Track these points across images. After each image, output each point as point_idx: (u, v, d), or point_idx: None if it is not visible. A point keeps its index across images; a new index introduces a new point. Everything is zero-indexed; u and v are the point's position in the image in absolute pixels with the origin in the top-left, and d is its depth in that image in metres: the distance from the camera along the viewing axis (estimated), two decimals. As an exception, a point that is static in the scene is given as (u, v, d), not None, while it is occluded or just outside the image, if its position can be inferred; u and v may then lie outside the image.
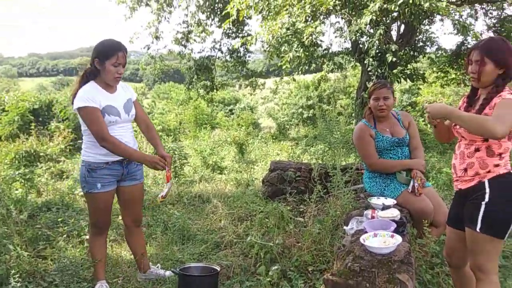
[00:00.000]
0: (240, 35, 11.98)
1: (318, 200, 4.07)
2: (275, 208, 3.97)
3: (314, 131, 12.70)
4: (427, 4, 5.81)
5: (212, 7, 11.34)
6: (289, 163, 5.76)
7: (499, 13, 10.01)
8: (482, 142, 2.32)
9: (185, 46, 12.01)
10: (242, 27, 11.98)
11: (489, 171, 2.31)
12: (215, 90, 12.86)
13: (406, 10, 6.12)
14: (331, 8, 6.66)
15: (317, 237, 3.41)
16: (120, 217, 4.16)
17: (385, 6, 6.14)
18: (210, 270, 3.15)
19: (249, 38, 8.16)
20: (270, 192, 5.41)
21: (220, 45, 12.14)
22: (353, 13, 7.03)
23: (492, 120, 2.11)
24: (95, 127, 2.89)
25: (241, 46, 10.83)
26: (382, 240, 2.43)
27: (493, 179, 2.30)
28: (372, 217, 2.89)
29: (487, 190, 2.29)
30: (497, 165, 2.31)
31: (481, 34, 8.13)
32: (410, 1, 5.82)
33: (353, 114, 13.91)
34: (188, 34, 11.80)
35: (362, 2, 6.71)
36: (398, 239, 2.37)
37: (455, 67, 11.27)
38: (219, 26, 11.35)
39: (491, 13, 10.20)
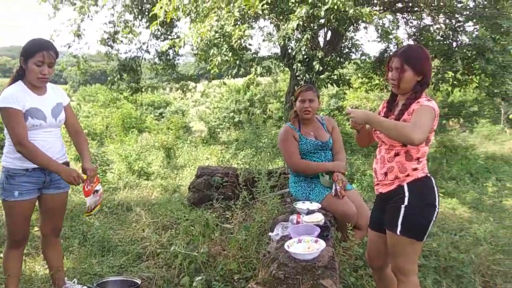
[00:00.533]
0: (170, 37, 11.70)
1: (244, 206, 3.99)
2: (200, 216, 3.83)
3: (245, 134, 12.69)
4: (351, 11, 5.97)
5: (139, 7, 10.98)
6: (216, 168, 5.62)
7: (419, 22, 10.61)
8: (401, 147, 2.36)
9: (111, 47, 11.52)
10: (171, 29, 11.72)
11: (408, 175, 2.36)
12: (140, 92, 12.45)
13: (332, 16, 6.26)
14: (260, 12, 6.65)
15: (243, 244, 3.32)
16: (36, 228, 3.83)
17: (311, 11, 6.23)
18: (130, 283, 2.98)
19: (177, 40, 7.95)
20: (197, 198, 5.24)
21: (147, 46, 11.78)
22: (281, 18, 7.08)
23: (411, 127, 2.14)
24: (14, 130, 2.67)
25: (169, 49, 10.58)
26: (306, 246, 2.41)
27: (411, 183, 2.35)
28: (298, 222, 2.87)
29: (406, 193, 2.33)
30: (415, 169, 2.36)
31: (402, 42, 8.55)
32: (335, 7, 5.96)
33: (283, 118, 14.10)
34: (115, 34, 11.35)
35: (289, 7, 6.76)
36: (322, 244, 2.35)
37: (379, 73, 11.81)
38: (147, 27, 11.01)
39: (411, 22, 10.78)
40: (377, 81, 12.66)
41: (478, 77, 8.61)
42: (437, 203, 2.35)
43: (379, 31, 7.02)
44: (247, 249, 3.29)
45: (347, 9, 5.91)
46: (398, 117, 2.36)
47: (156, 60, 12.32)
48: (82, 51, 11.07)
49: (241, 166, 6.84)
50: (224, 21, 6.70)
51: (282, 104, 18.16)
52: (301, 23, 6.28)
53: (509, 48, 7.63)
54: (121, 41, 11.36)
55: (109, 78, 11.71)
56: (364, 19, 6.18)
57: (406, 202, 2.31)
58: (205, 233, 3.62)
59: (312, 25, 7.04)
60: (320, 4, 6.11)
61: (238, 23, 6.89)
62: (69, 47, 10.84)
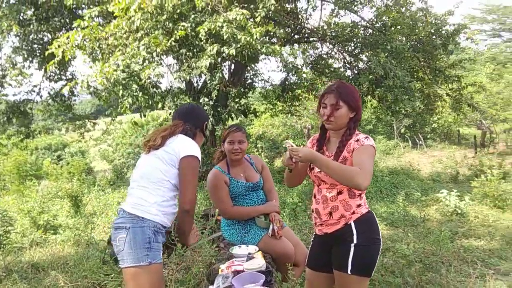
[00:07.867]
0: (64, 77, 11.00)
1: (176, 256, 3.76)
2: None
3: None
4: (264, 49, 6.11)
5: (30, 48, 10.17)
6: (137, 215, 5.20)
7: (315, 51, 11.25)
8: (343, 185, 2.36)
9: (-4, 91, 10.47)
10: (65, 68, 11.01)
11: (353, 212, 2.37)
12: (31, 137, 11.44)
13: (243, 52, 6.31)
14: (168, 49, 6.49)
15: (181, 301, 3.12)
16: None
17: (222, 49, 6.26)
18: None
19: (78, 81, 7.39)
20: (119, 252, 4.77)
21: (39, 89, 10.90)
22: (190, 54, 7.00)
23: (357, 172, 2.12)
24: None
25: (68, 90, 9.87)
26: (253, 297, 2.31)
27: (358, 220, 2.36)
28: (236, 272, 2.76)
29: (354, 232, 2.34)
30: (359, 205, 2.39)
31: (302, 71, 8.99)
32: (248, 45, 6.04)
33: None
34: (2, 78, 10.37)
35: (199, 45, 6.69)
36: (269, 292, 2.28)
37: (281, 100, 12.28)
38: (39, 68, 10.25)
39: (308, 52, 11.37)
40: (280, 107, 13.13)
41: (379, 100, 9.26)
42: (380, 236, 2.41)
43: (285, 67, 7.27)
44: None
45: (259, 47, 6.02)
46: (337, 155, 2.35)
47: (50, 101, 11.42)
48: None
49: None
50: (130, 59, 6.43)
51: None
52: (212, 61, 6.25)
53: (404, 69, 8.36)
54: (10, 85, 10.38)
55: None
56: (272, 55, 6.36)
57: (355, 241, 2.31)
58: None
59: (220, 60, 7.07)
60: (232, 43, 6.15)
61: (146, 62, 6.64)
62: None
